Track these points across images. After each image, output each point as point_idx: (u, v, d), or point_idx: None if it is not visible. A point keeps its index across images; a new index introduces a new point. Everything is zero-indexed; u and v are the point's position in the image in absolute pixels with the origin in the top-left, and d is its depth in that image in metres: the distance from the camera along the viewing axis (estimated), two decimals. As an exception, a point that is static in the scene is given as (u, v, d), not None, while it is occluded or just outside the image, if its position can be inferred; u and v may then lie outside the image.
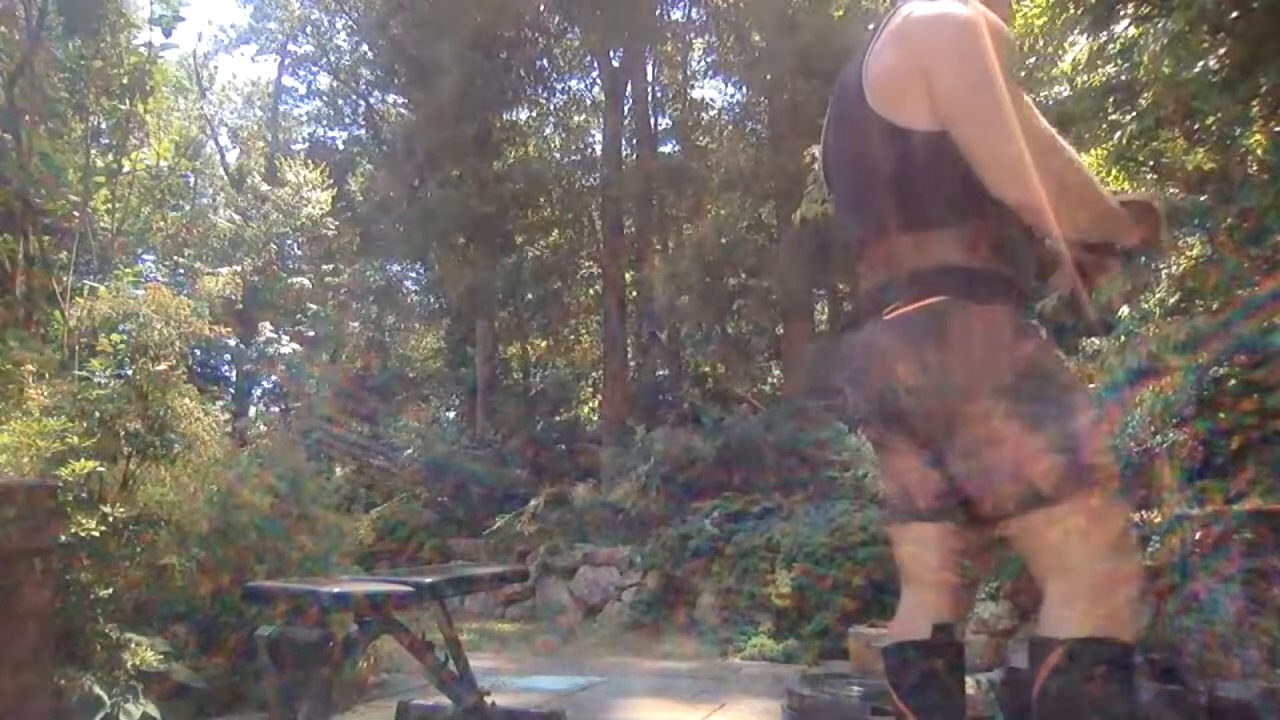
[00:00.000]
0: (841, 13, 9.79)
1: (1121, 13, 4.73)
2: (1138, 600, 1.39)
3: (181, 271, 10.84)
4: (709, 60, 15.10)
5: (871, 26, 1.64)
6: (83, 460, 3.20)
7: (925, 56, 1.42)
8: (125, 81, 5.56)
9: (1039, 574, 1.42)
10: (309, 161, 14.72)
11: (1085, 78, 5.83)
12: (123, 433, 3.50)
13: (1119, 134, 4.91)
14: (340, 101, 18.70)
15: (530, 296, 14.41)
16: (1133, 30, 4.88)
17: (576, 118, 15.74)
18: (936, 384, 1.42)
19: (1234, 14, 3.98)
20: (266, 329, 10.54)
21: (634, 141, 14.37)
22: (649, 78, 14.96)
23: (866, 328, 1.57)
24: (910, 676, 1.52)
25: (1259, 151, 4.67)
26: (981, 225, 1.44)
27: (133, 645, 3.10)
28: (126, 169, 5.84)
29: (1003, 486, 1.39)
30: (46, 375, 3.96)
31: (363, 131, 18.06)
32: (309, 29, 18.26)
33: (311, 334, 12.14)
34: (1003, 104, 1.37)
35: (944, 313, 1.42)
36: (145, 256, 10.13)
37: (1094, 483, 1.36)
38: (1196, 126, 4.79)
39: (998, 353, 1.40)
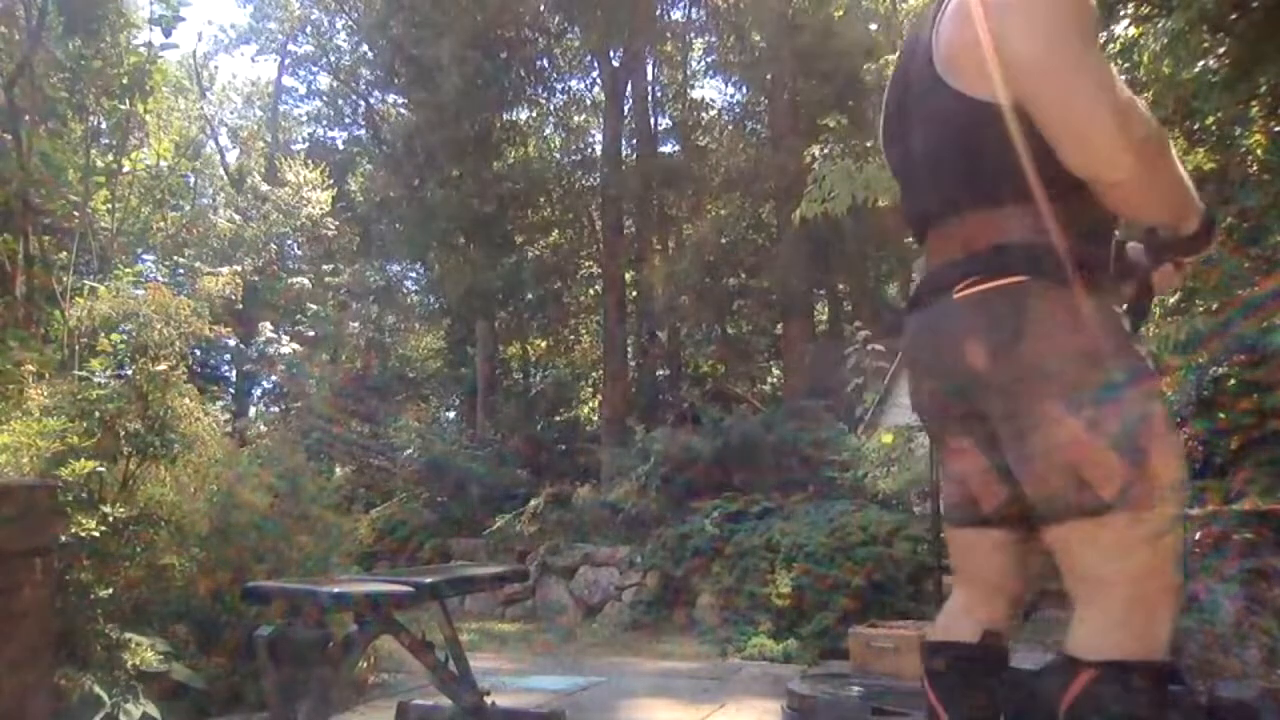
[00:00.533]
0: (841, 13, 9.77)
1: (1121, 13, 4.73)
2: (1174, 615, 1.30)
3: (181, 271, 10.85)
4: (709, 60, 15.14)
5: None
6: (83, 460, 3.21)
7: (996, 21, 1.31)
8: (125, 81, 5.55)
9: (1071, 581, 1.33)
10: (309, 161, 14.74)
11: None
12: (123, 433, 3.50)
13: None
14: (340, 101, 18.72)
15: (530, 296, 14.42)
16: (1133, 30, 4.88)
17: (576, 118, 15.76)
18: (1005, 369, 1.32)
19: (1234, 14, 3.98)
20: (266, 329, 10.55)
21: (634, 141, 14.38)
22: (649, 78, 14.98)
23: (931, 308, 1.45)
24: (951, 678, 1.47)
25: (1259, 151, 4.67)
26: (1063, 203, 1.33)
27: (132, 645, 3.11)
28: (126, 169, 5.84)
29: (1057, 486, 1.29)
30: (46, 375, 3.96)
31: (363, 131, 18.09)
32: (309, 29, 18.28)
33: (311, 334, 12.14)
34: (1078, 68, 1.26)
35: (1019, 293, 1.31)
36: (145, 256, 10.15)
37: (1157, 496, 1.26)
38: (1196, 126, 4.80)
39: (1074, 341, 1.29)
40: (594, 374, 16.24)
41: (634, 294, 14.57)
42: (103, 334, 4.09)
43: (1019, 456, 1.35)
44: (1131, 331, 1.45)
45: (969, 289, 1.36)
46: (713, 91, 29.04)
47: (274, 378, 11.93)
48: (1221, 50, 4.24)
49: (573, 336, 17.33)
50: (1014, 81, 1.31)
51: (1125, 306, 1.47)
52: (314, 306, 12.93)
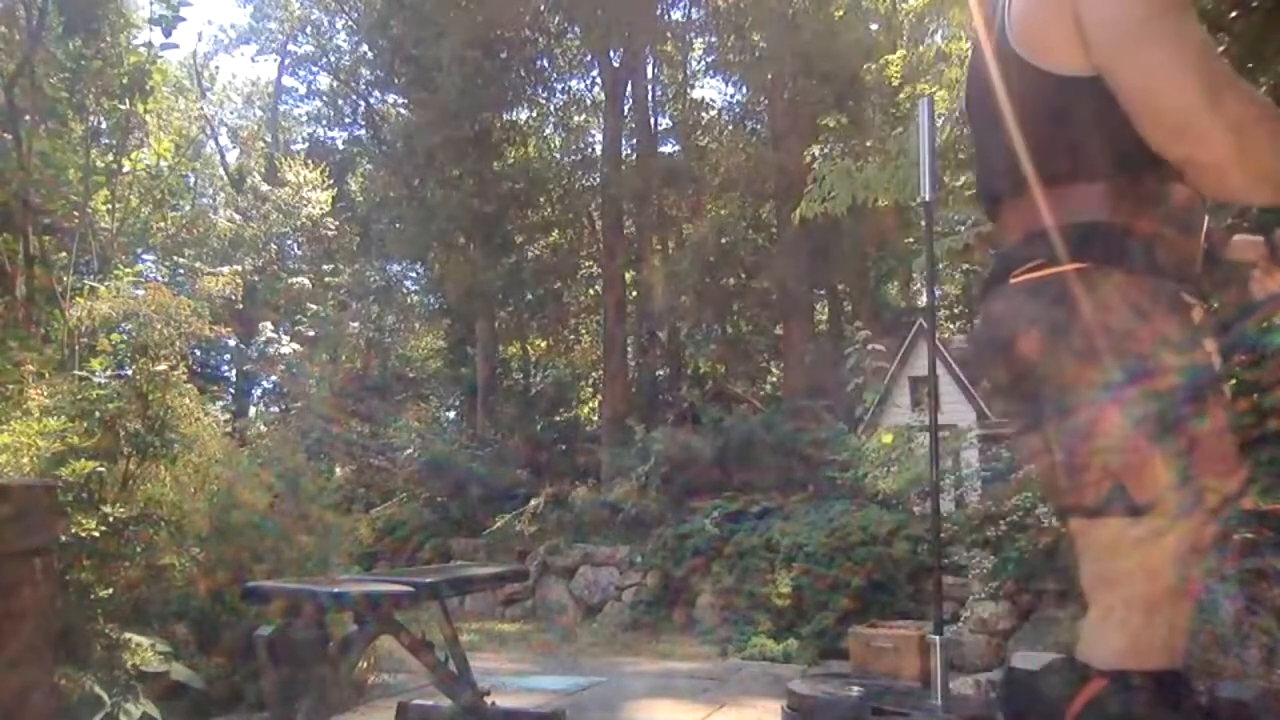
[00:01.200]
0: (841, 13, 9.78)
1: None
2: (1180, 619, 1.25)
3: (181, 271, 10.88)
4: (709, 60, 15.13)
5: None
6: (83, 460, 3.21)
7: None
8: (125, 81, 5.56)
9: (1088, 579, 1.28)
10: (309, 161, 14.75)
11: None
12: (123, 433, 3.50)
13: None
14: (340, 101, 18.72)
15: (530, 296, 14.43)
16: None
17: (576, 118, 15.75)
18: (1054, 361, 1.25)
19: (1234, 14, 3.98)
20: (266, 329, 10.55)
21: (634, 141, 14.38)
22: (649, 78, 14.97)
23: (994, 294, 1.39)
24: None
25: (1259, 151, 4.66)
26: (1138, 183, 1.25)
27: (132, 645, 3.11)
28: (126, 169, 5.84)
29: (1091, 480, 1.22)
30: (46, 375, 3.96)
31: (363, 131, 18.08)
32: (309, 29, 18.28)
33: (311, 334, 12.14)
34: (1157, 36, 1.16)
35: (1074, 281, 1.23)
36: (145, 256, 10.18)
37: (1197, 505, 1.18)
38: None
39: (1124, 334, 1.21)
40: (594, 374, 16.24)
41: (634, 294, 14.57)
42: (103, 334, 4.10)
43: (1059, 447, 1.28)
44: (1223, 329, 1.34)
45: (1026, 274, 1.30)
46: (713, 91, 29.10)
47: (274, 378, 11.94)
48: (1221, 50, 4.24)
49: (573, 336, 17.32)
50: (1089, 52, 1.21)
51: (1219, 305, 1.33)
52: (314, 306, 12.93)
